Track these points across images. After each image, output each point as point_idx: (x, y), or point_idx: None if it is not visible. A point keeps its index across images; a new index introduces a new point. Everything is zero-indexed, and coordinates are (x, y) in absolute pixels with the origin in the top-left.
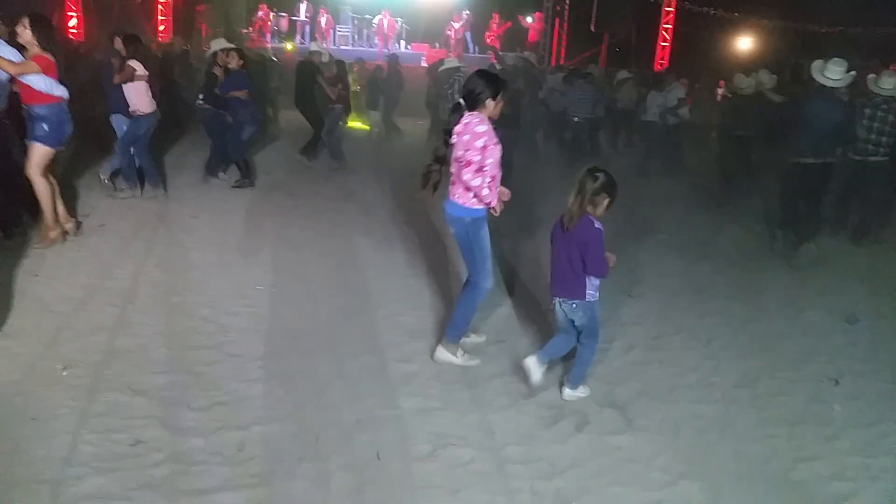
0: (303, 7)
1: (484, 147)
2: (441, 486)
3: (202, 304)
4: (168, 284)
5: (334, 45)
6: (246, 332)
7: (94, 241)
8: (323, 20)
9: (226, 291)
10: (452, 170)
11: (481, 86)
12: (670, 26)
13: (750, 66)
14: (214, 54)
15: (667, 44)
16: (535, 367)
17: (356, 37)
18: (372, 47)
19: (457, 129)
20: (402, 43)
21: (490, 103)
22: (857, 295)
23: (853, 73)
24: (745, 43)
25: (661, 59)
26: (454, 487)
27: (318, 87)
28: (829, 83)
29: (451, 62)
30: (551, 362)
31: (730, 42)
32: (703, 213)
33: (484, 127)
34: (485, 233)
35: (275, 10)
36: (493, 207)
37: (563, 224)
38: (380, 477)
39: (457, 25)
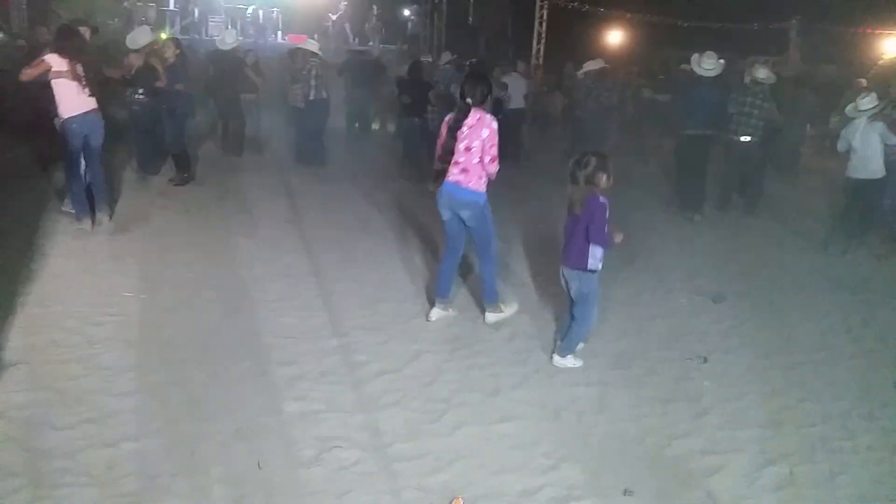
0: None
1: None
2: (326, 490)
3: (65, 315)
4: (27, 295)
5: (206, 35)
6: (114, 343)
7: None
8: (195, 10)
9: (91, 300)
10: (461, 159)
11: (486, 86)
12: (544, 20)
13: (619, 58)
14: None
15: (542, 37)
16: (567, 362)
17: (229, 26)
18: (247, 38)
19: (468, 122)
20: (279, 33)
21: (489, 100)
22: (723, 275)
23: (722, 61)
24: (615, 37)
25: (537, 52)
26: (339, 491)
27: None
28: (705, 72)
29: (312, 45)
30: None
31: (602, 36)
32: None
33: (496, 124)
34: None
35: None
36: None
37: (572, 207)
38: (261, 487)
39: (334, 17)
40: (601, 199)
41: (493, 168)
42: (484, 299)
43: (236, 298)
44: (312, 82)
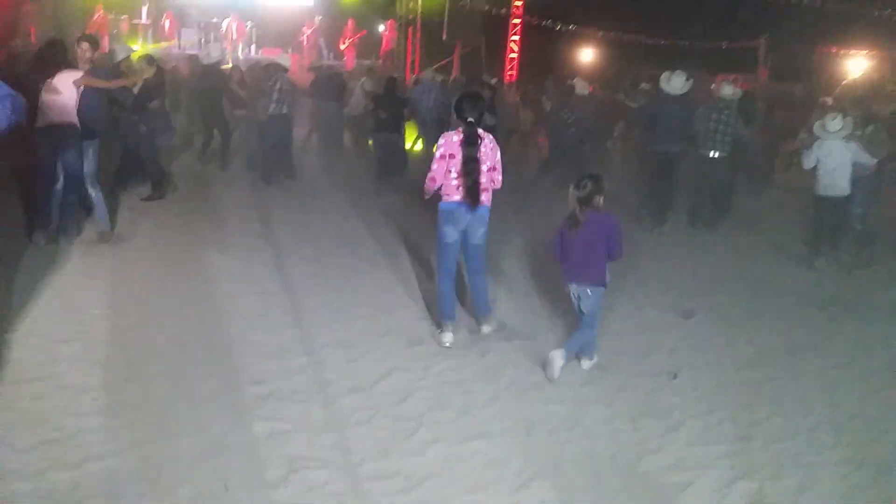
0: (144, 9)
1: None
2: None
3: (28, 333)
4: None
5: (179, 48)
6: (79, 361)
7: None
8: (167, 23)
9: (55, 317)
10: (483, 179)
11: (483, 105)
12: (518, 38)
13: (591, 75)
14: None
15: (515, 55)
16: (594, 361)
17: (203, 40)
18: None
19: (487, 143)
20: (253, 47)
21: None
22: (694, 290)
23: (691, 80)
24: (587, 54)
25: (511, 69)
26: None
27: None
28: (674, 91)
29: (284, 59)
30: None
31: (574, 53)
32: (534, 208)
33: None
34: None
35: (114, 12)
36: None
37: (570, 227)
38: None
39: (308, 31)
40: (614, 218)
41: (501, 182)
42: (482, 311)
43: (205, 315)
44: (274, 96)
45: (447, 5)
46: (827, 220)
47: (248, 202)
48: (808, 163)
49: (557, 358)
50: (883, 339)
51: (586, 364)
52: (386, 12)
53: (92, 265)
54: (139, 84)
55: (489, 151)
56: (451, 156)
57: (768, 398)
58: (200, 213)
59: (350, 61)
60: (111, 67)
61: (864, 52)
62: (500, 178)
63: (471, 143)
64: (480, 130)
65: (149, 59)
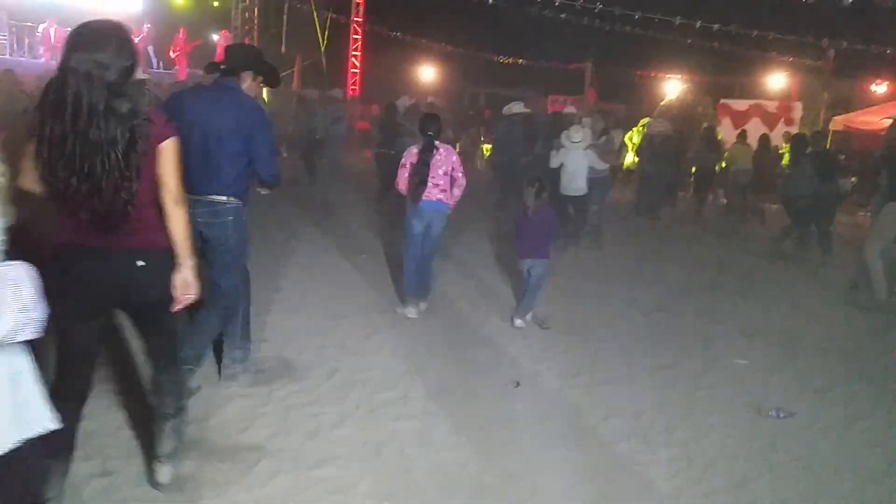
0: None
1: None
2: None
3: None
4: None
5: None
6: None
7: None
8: None
9: None
10: (441, 182)
11: (440, 123)
12: (359, 53)
13: (434, 92)
14: None
15: (357, 69)
16: (523, 323)
17: (15, 46)
18: (36, 58)
19: (441, 152)
20: None
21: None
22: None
23: (528, 109)
24: (428, 72)
25: (353, 83)
26: None
27: None
28: (513, 112)
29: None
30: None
31: (418, 69)
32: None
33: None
34: None
35: None
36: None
37: (530, 216)
38: None
39: (136, 39)
40: (552, 210)
41: (464, 182)
42: (420, 290)
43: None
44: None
45: (286, 17)
46: (566, 212)
47: None
48: (553, 164)
49: (520, 322)
50: (704, 341)
51: (520, 322)
52: (221, 22)
53: None
54: None
55: (444, 158)
56: (411, 164)
57: (604, 401)
58: None
59: (182, 71)
60: None
61: (679, 76)
62: (460, 175)
63: (422, 153)
64: (438, 143)
65: None
